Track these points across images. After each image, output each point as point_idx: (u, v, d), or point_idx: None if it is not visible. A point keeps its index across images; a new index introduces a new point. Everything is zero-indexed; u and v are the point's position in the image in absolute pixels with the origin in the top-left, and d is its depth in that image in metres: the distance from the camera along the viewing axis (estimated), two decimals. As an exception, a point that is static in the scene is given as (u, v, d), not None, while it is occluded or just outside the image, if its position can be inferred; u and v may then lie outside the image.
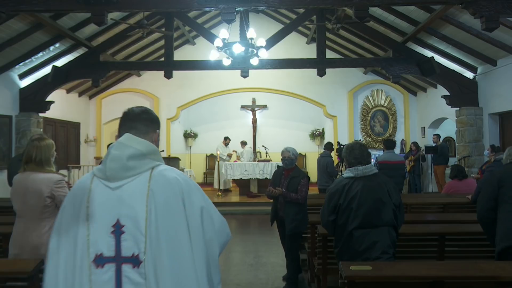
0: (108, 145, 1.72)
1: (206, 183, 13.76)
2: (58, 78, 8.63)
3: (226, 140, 12.56)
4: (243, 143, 12.58)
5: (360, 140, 12.26)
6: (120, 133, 1.62)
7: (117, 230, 1.47)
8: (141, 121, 1.64)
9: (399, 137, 12.41)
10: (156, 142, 1.68)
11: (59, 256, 1.51)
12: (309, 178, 4.50)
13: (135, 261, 1.45)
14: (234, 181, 11.68)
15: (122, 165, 1.50)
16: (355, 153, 3.01)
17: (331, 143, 8.18)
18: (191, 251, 1.48)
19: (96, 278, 1.44)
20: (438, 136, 10.42)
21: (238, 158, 12.45)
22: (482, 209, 3.03)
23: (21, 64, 8.53)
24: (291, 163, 4.49)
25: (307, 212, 4.49)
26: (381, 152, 9.28)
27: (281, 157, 4.64)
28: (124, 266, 1.45)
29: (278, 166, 5.03)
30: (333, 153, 9.59)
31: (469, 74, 8.83)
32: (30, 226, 2.97)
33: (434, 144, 10.20)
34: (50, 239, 1.57)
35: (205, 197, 1.60)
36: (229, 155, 12.44)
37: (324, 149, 8.03)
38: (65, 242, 1.51)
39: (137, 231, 1.46)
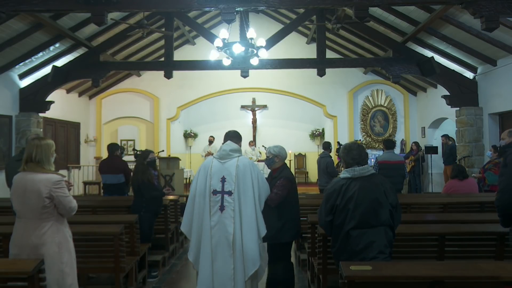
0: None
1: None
2: (58, 78, 8.63)
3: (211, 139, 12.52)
4: (252, 143, 12.87)
5: (360, 140, 12.26)
6: (225, 140, 3.65)
7: (223, 180, 3.42)
8: (233, 136, 3.68)
9: (399, 137, 12.41)
10: (240, 147, 3.61)
11: (196, 188, 3.47)
12: (290, 179, 3.94)
13: (229, 193, 3.39)
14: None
15: (226, 154, 3.51)
16: (353, 154, 3.00)
17: (329, 143, 8.14)
18: (252, 190, 3.42)
19: (212, 199, 3.40)
20: (447, 136, 10.02)
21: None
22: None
23: (21, 64, 8.53)
24: (270, 162, 4.14)
25: (293, 220, 3.91)
26: (381, 152, 9.28)
27: None
28: (225, 195, 3.39)
29: None
30: (333, 153, 9.59)
31: (469, 74, 8.83)
32: (30, 227, 2.96)
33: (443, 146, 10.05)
34: (191, 183, 3.61)
35: (259, 172, 3.55)
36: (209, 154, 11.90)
37: (323, 149, 8.02)
38: (200, 185, 3.46)
39: (231, 181, 3.41)
